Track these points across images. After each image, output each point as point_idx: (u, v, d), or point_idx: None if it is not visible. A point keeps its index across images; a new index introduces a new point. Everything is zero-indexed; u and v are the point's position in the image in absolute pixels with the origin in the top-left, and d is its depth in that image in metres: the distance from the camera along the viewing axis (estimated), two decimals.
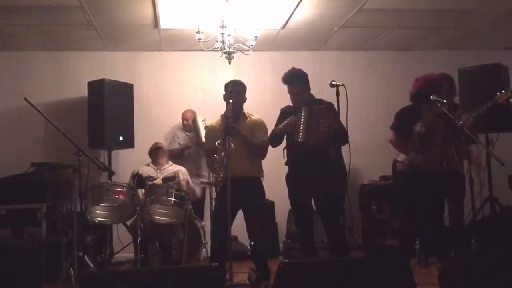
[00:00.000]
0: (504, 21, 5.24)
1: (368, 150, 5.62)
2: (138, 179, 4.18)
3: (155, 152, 5.01)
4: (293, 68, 3.95)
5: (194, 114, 5.59)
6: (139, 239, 4.11)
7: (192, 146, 5.43)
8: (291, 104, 3.96)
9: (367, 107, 6.04)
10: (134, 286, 2.77)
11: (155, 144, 5.08)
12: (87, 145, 5.17)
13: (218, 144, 3.68)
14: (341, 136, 3.79)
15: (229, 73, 5.72)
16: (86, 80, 5.47)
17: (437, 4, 4.75)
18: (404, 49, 6.19)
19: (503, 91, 4.06)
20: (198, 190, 4.96)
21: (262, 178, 4.01)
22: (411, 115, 4.10)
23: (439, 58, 6.17)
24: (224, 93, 4.02)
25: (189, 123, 5.53)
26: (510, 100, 3.99)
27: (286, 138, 3.91)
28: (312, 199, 3.93)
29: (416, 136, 4.02)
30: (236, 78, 5.24)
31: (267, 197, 5.51)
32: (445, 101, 4.04)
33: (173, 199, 4.12)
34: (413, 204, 4.10)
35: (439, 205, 4.15)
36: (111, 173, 4.33)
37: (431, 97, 4.07)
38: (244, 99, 4.03)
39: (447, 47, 6.12)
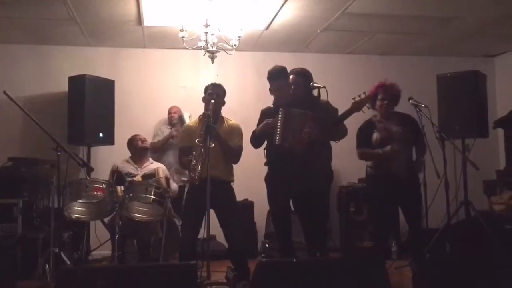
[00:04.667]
0: (483, 30, 5.35)
1: (348, 153, 5.65)
2: (118, 176, 4.15)
3: (140, 152, 4.91)
4: (280, 65, 3.97)
5: (180, 111, 5.60)
6: (117, 236, 4.08)
7: (176, 135, 5.40)
8: (271, 105, 3.98)
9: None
10: (111, 282, 2.77)
11: (142, 142, 4.94)
12: (66, 140, 5.13)
13: (198, 141, 3.68)
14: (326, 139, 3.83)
15: (212, 72, 5.77)
16: (67, 75, 5.41)
17: (419, 11, 4.81)
18: (385, 54, 6.28)
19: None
20: (176, 187, 4.94)
21: (232, 183, 4.05)
22: (367, 129, 4.22)
23: (419, 64, 6.29)
24: (203, 95, 4.04)
25: (174, 117, 5.52)
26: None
27: (267, 139, 3.93)
28: (291, 199, 3.96)
29: (375, 145, 4.12)
30: (218, 77, 5.26)
31: (247, 196, 5.62)
32: (424, 105, 4.15)
33: (153, 196, 4.11)
34: (380, 206, 4.19)
35: (410, 207, 4.24)
36: (90, 169, 4.29)
37: (410, 101, 4.18)
38: (223, 103, 4.05)
39: (427, 53, 6.22)
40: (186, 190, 4.40)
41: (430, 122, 4.14)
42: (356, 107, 3.74)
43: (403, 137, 4.08)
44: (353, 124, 4.12)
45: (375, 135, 4.13)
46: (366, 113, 3.88)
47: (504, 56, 6.41)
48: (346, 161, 5.66)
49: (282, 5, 4.59)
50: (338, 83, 5.95)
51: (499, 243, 4.56)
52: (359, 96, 3.77)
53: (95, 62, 5.81)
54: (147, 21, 5.01)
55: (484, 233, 4.73)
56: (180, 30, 4.54)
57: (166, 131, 5.59)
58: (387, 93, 4.14)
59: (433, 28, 5.32)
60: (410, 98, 4.23)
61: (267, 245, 5.54)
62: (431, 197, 4.51)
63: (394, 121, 4.13)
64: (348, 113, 3.78)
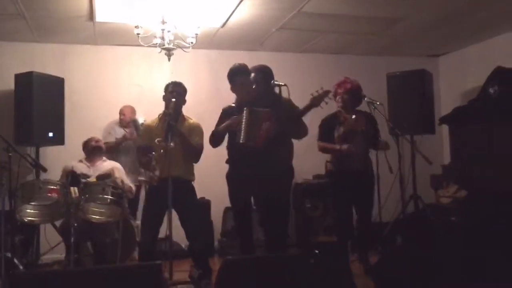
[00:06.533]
0: (429, 30, 5.59)
1: (302, 150, 5.74)
2: (73, 177, 4.02)
3: (93, 151, 4.78)
4: (241, 63, 3.98)
5: (133, 110, 5.48)
6: (72, 239, 3.94)
7: (130, 138, 5.31)
8: (233, 104, 3.98)
9: (300, 107, 6.17)
10: (72, 287, 2.68)
11: (96, 142, 4.83)
12: (13, 141, 4.89)
13: (157, 141, 3.63)
14: (283, 137, 3.83)
15: (166, 70, 5.69)
16: (13, 72, 5.17)
17: (370, 12, 4.95)
18: (337, 53, 6.42)
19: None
20: (134, 188, 4.85)
21: (193, 182, 4.04)
22: (330, 123, 4.34)
23: (369, 63, 6.45)
24: (163, 93, 4.00)
25: (125, 119, 5.41)
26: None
27: (228, 136, 3.92)
28: (252, 197, 3.96)
29: (337, 139, 4.25)
30: (173, 75, 5.20)
31: (203, 195, 5.59)
32: (378, 102, 4.29)
33: (110, 197, 4.00)
34: (342, 201, 4.31)
35: (365, 202, 4.39)
36: (43, 170, 4.12)
37: (365, 98, 4.32)
38: (184, 102, 4.02)
39: (377, 53, 6.42)
40: (145, 190, 4.33)
41: (385, 119, 4.29)
42: (315, 102, 3.79)
43: (366, 134, 4.23)
44: (314, 121, 4.19)
45: (338, 130, 4.24)
46: (324, 108, 3.91)
47: (448, 56, 6.72)
48: (301, 158, 5.70)
49: (239, 2, 4.59)
50: (292, 81, 5.91)
51: (446, 234, 4.78)
52: (317, 91, 3.83)
53: (43, 59, 5.59)
54: (99, 17, 4.87)
55: (432, 225, 4.95)
56: (135, 26, 4.46)
57: (118, 130, 5.47)
58: (343, 87, 4.32)
59: (382, 29, 5.50)
60: (364, 96, 4.37)
61: (223, 243, 5.55)
62: (382, 191, 4.65)
63: (358, 118, 4.26)
64: (307, 108, 3.81)
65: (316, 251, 3.62)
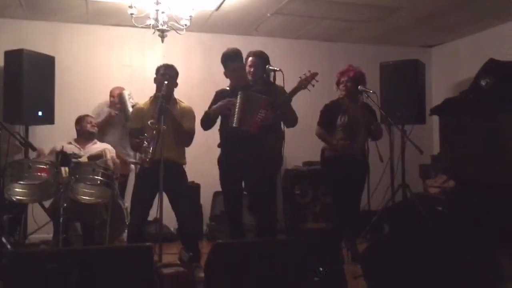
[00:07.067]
0: (424, 21, 5.60)
1: (293, 136, 5.76)
2: (63, 157, 3.98)
3: (87, 134, 4.76)
4: (234, 47, 3.98)
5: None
6: (61, 219, 3.92)
7: (115, 115, 5.27)
8: (227, 88, 3.96)
9: None
10: (62, 266, 2.67)
11: (92, 126, 4.81)
12: (2, 118, 4.84)
13: (150, 123, 3.61)
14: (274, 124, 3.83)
15: (158, 52, 5.66)
16: (3, 49, 5.07)
17: None
18: (331, 40, 6.40)
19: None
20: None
21: (184, 166, 4.02)
22: (334, 110, 4.33)
23: (362, 51, 6.42)
24: (155, 76, 3.96)
25: (115, 100, 5.36)
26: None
27: (221, 119, 3.91)
28: (243, 181, 3.96)
29: (340, 127, 4.25)
30: (165, 57, 5.16)
31: (193, 179, 5.57)
32: (372, 91, 4.29)
33: (100, 178, 3.97)
34: (341, 187, 4.33)
35: (358, 190, 4.41)
36: (32, 149, 4.07)
37: (359, 87, 4.31)
38: (176, 84, 3.98)
39: (371, 41, 6.41)
40: (135, 172, 4.31)
41: (378, 108, 4.30)
42: (302, 84, 3.77)
43: (366, 125, 4.24)
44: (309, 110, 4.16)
45: (342, 118, 4.24)
46: (312, 91, 3.88)
47: (441, 47, 6.74)
48: (291, 145, 5.74)
49: None
50: (285, 67, 5.94)
51: (432, 223, 4.84)
52: (305, 74, 3.81)
53: (34, 36, 5.49)
54: None
55: (418, 214, 4.99)
56: (129, 6, 4.40)
57: (108, 112, 5.42)
58: (346, 75, 4.31)
59: (377, 17, 5.49)
60: (358, 85, 4.37)
61: (212, 227, 5.56)
62: (372, 180, 4.67)
63: (360, 108, 4.27)
64: (294, 90, 3.80)
65: None
